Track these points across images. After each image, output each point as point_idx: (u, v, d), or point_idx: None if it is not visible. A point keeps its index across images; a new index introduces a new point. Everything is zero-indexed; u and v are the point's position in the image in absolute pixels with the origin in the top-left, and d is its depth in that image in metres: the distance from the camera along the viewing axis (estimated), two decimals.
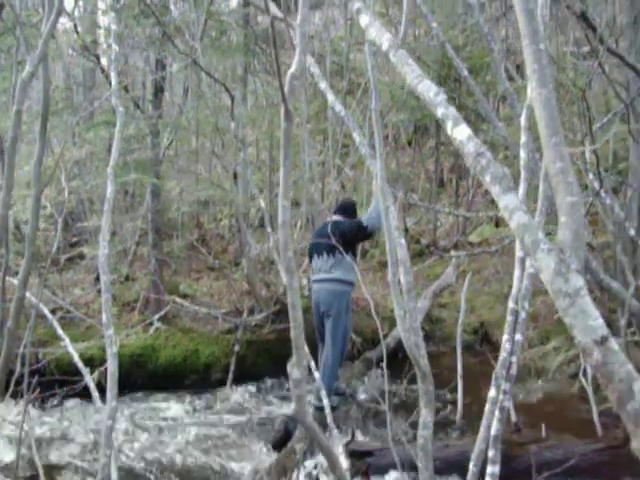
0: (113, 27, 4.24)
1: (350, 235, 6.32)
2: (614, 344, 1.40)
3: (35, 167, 2.50)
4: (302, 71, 1.22)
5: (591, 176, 5.88)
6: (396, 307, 2.69)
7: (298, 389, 1.06)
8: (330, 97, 3.09)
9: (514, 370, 2.43)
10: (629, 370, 1.37)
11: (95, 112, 11.26)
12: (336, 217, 6.70)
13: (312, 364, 3.85)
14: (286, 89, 1.25)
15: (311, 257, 6.65)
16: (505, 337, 2.47)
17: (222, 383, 8.01)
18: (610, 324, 6.56)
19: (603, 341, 1.38)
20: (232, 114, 8.17)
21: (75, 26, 10.11)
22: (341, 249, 5.68)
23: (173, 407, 7.38)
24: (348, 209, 6.79)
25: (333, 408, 5.89)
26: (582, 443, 5.03)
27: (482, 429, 2.48)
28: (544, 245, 1.42)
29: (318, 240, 6.51)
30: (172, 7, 10.20)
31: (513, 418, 5.40)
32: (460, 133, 1.61)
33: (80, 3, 11.43)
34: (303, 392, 1.06)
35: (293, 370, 1.05)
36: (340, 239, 5.91)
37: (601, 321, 1.41)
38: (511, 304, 2.48)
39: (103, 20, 11.14)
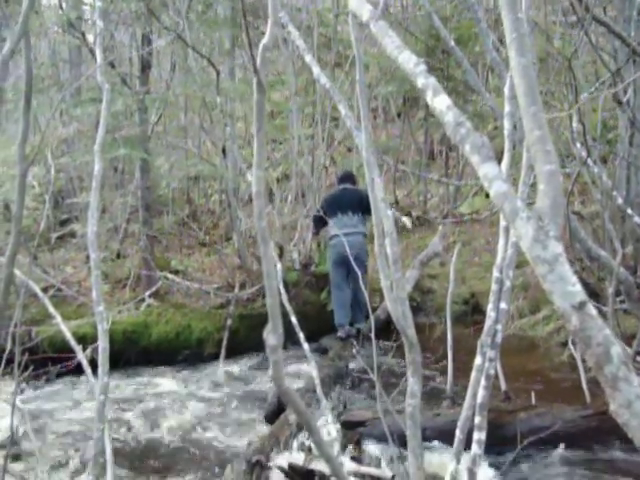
0: (98, 3, 4.20)
1: (365, 202, 6.99)
2: (592, 309, 1.41)
3: (20, 145, 2.48)
4: (274, 42, 1.22)
5: (579, 145, 5.89)
6: (383, 278, 2.70)
7: (274, 355, 1.07)
8: (315, 70, 3.07)
9: (499, 338, 2.45)
10: (606, 334, 1.39)
11: (82, 89, 11.18)
12: (348, 185, 8.07)
13: (301, 335, 3.88)
14: (258, 60, 1.24)
15: (333, 215, 7.80)
16: (490, 306, 2.49)
17: (215, 358, 8.06)
18: (599, 292, 6.62)
19: (581, 306, 1.39)
20: (218, 89, 8.12)
21: (60, 2, 10.01)
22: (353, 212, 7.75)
23: (166, 382, 7.44)
24: (353, 177, 8.12)
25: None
26: (570, 410, 5.08)
27: (468, 397, 2.50)
28: (523, 213, 1.43)
29: (341, 201, 7.85)
30: None
31: (503, 386, 5.45)
32: (440, 103, 1.60)
33: None
34: (279, 358, 1.07)
35: (269, 336, 1.06)
36: (359, 202, 7.61)
37: (579, 287, 1.41)
38: (496, 273, 2.50)
39: None
